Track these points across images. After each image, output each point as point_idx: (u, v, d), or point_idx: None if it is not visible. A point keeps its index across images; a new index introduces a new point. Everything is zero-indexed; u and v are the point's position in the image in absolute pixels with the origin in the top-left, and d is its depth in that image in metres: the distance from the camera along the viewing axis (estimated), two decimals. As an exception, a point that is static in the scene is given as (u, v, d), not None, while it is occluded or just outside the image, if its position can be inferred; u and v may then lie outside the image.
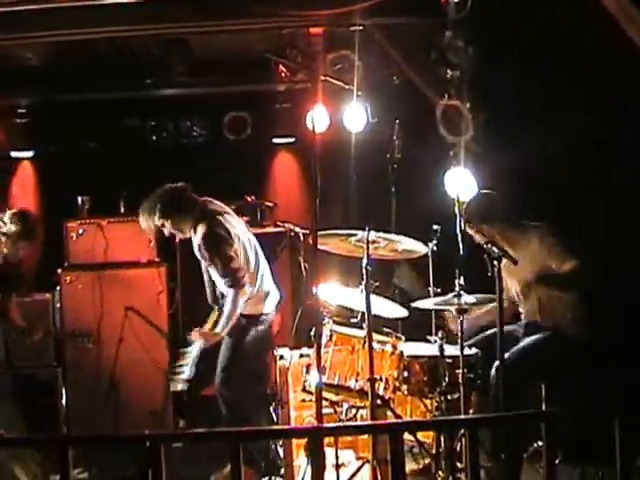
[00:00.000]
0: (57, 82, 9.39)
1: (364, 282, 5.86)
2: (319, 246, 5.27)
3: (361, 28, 7.63)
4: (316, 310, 5.39)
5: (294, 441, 6.57)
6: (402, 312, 6.68)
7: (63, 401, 8.36)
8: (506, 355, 6.10)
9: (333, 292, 6.64)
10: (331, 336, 6.19)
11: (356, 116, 8.40)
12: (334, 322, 6.26)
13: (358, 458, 6.45)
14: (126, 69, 9.16)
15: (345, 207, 8.41)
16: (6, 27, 7.50)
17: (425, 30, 7.58)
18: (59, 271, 8.49)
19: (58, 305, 8.47)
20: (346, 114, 8.50)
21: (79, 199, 8.82)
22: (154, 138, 9.78)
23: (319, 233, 5.27)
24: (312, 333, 5.22)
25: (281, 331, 8.11)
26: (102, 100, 9.57)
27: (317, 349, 5.13)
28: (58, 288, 8.47)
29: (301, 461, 6.47)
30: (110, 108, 9.70)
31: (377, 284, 6.23)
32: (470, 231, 6.45)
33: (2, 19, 7.38)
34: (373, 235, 5.95)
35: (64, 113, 9.79)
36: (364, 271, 5.88)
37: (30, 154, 9.95)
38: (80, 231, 8.52)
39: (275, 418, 6.96)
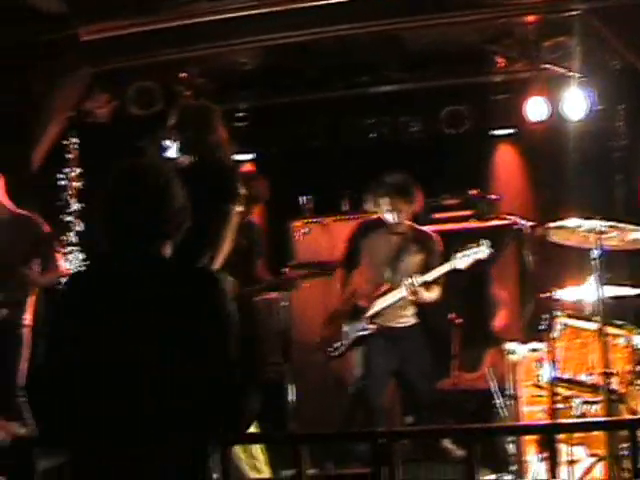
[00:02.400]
0: (273, 85, 9.61)
1: (596, 274, 5.69)
2: (547, 238, 5.18)
3: (579, 12, 7.46)
4: (547, 303, 5.29)
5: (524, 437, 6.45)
6: None
7: (291, 398, 8.48)
8: None
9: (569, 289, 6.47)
10: (562, 329, 6.05)
11: (577, 104, 8.24)
12: (566, 315, 6.12)
13: (591, 455, 6.27)
14: (341, 68, 9.28)
15: (568, 197, 8.21)
16: (225, 33, 7.73)
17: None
18: (286, 270, 8.61)
19: (285, 304, 8.60)
20: (566, 102, 8.34)
21: (301, 199, 8.96)
22: (374, 135, 9.85)
23: (546, 225, 5.18)
24: (542, 327, 5.11)
25: (510, 325, 8.01)
26: (319, 100, 9.69)
27: (550, 343, 5.03)
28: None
29: (531, 457, 6.35)
30: (327, 107, 9.84)
31: (610, 276, 6.04)
32: None
33: (221, 26, 7.61)
34: (602, 225, 5.77)
35: (282, 114, 10.01)
36: (595, 262, 5.71)
37: (251, 156, 10.19)
38: (306, 230, 8.67)
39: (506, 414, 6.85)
